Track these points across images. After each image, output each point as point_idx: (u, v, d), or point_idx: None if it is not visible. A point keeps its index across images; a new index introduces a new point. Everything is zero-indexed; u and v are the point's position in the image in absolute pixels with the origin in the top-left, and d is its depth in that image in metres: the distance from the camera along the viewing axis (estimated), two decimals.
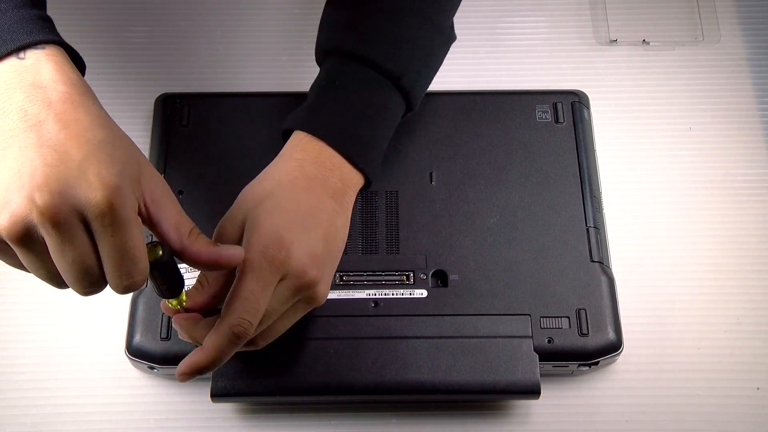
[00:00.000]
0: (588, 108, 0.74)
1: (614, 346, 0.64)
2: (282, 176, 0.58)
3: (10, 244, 0.46)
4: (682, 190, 0.75)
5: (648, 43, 0.82)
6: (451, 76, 0.80)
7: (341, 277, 0.66)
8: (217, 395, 0.62)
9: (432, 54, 0.65)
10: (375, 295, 0.65)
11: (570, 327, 0.64)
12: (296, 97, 0.74)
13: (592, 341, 0.64)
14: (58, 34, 0.51)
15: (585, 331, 0.64)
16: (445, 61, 0.81)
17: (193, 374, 0.55)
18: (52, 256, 0.47)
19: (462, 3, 0.81)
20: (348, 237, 0.67)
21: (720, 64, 0.81)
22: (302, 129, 0.60)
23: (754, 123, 0.78)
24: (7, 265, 0.72)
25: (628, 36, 0.83)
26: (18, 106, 0.46)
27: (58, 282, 0.49)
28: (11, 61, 0.48)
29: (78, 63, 0.52)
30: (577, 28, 0.83)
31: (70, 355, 0.68)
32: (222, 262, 0.52)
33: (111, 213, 0.45)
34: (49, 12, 0.55)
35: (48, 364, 0.68)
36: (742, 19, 0.84)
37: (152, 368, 0.64)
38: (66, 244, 0.45)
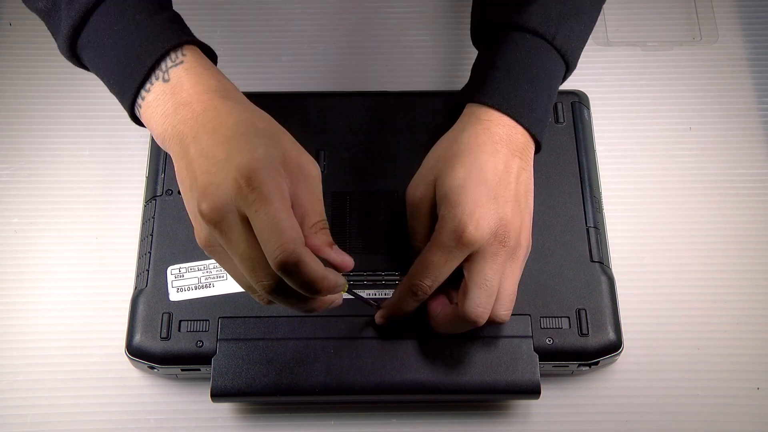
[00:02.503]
0: (588, 108, 0.74)
1: (614, 346, 0.64)
2: (470, 140, 0.61)
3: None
4: (682, 190, 0.75)
5: (644, 42, 0.82)
6: (452, 76, 0.80)
7: None
8: (217, 395, 0.62)
9: (583, 9, 0.66)
10: (375, 294, 0.65)
11: (570, 327, 0.64)
12: (296, 97, 0.74)
13: (592, 341, 0.64)
14: (188, 32, 0.57)
15: (585, 331, 0.64)
16: (445, 62, 0.82)
17: (387, 319, 0.62)
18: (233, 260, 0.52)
19: (463, 4, 0.81)
20: (348, 237, 0.67)
21: (718, 64, 0.81)
22: (472, 101, 0.63)
23: (754, 123, 0.78)
24: (11, 265, 0.73)
25: (626, 36, 0.83)
26: (176, 130, 0.53)
27: (253, 291, 0.53)
28: (161, 86, 0.55)
29: (210, 55, 0.59)
30: None
31: (70, 355, 0.68)
32: (331, 261, 0.53)
33: (250, 192, 0.49)
34: None
35: (48, 364, 0.68)
36: (739, 19, 0.84)
37: (152, 368, 0.64)
38: (231, 242, 0.50)
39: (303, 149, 0.54)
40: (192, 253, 0.66)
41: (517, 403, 0.66)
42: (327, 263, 0.52)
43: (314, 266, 0.50)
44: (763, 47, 0.82)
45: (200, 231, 0.52)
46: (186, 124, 0.53)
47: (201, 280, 0.65)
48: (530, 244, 0.62)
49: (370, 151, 0.71)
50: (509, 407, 0.66)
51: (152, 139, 0.72)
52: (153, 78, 0.55)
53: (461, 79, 0.80)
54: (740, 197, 0.75)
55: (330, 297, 0.55)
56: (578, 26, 0.65)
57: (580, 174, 0.70)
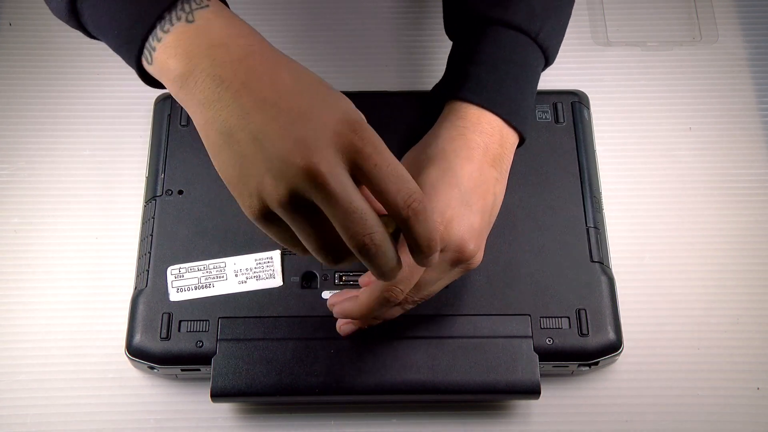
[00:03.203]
0: (588, 108, 0.74)
1: (614, 346, 0.64)
2: (445, 144, 0.60)
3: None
4: (682, 190, 0.75)
5: (644, 42, 0.82)
6: None
7: (341, 277, 0.66)
8: (217, 395, 0.62)
9: (563, 5, 0.66)
10: None
11: (570, 327, 0.64)
12: None
13: (592, 341, 0.64)
14: None
15: (585, 331, 0.64)
16: (445, 62, 0.82)
17: (343, 317, 0.60)
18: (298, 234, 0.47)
19: None
20: None
21: (718, 64, 0.81)
22: (457, 98, 0.62)
23: (754, 123, 0.78)
24: (10, 265, 0.73)
25: (626, 36, 0.83)
26: (208, 72, 0.46)
27: (325, 255, 0.48)
28: (184, 27, 0.47)
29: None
30: (575, 29, 0.83)
31: (70, 355, 0.68)
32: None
33: (360, 140, 0.45)
34: (49, 16, 0.55)
35: (48, 364, 0.68)
36: (739, 19, 0.84)
37: (152, 368, 0.64)
38: (328, 200, 0.45)
39: None
40: (192, 253, 0.66)
41: (516, 404, 0.66)
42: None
43: (436, 218, 0.51)
44: (764, 47, 0.82)
45: (277, 189, 0.45)
46: (225, 68, 0.46)
47: (201, 281, 0.65)
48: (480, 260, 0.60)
49: None
50: (509, 407, 0.66)
51: (152, 139, 0.72)
52: (173, 18, 0.48)
53: None
54: (740, 197, 0.75)
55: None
56: (558, 22, 0.65)
57: (580, 174, 0.70)
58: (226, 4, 0.52)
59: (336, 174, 0.44)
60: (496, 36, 0.63)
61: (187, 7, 0.48)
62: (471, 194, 0.58)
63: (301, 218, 0.46)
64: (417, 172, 0.59)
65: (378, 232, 0.46)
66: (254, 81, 0.46)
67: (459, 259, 0.58)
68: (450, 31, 0.69)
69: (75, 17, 0.53)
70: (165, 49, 0.48)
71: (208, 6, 0.49)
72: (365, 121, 0.47)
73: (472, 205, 0.58)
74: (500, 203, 0.62)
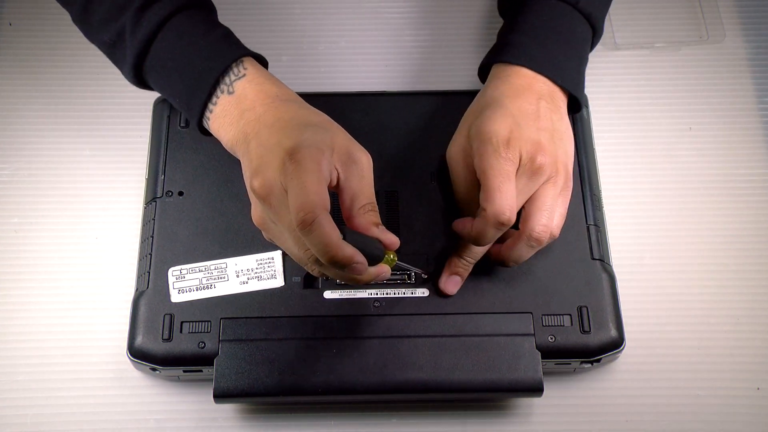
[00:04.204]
0: (587, 107, 0.74)
1: (616, 343, 0.64)
2: (493, 92, 0.66)
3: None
4: (682, 190, 0.75)
5: (651, 44, 0.82)
6: (453, 75, 0.81)
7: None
8: (220, 396, 0.62)
9: None
10: (376, 294, 0.65)
11: (572, 324, 0.64)
12: None
13: (594, 338, 0.64)
14: (242, 45, 0.65)
15: (587, 329, 0.64)
16: (446, 62, 0.82)
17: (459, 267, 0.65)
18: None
19: (463, 3, 0.81)
20: None
21: (722, 64, 0.81)
22: (500, 62, 0.68)
23: (755, 123, 0.78)
24: (10, 265, 0.73)
25: (633, 38, 0.83)
26: (241, 133, 0.60)
27: (304, 262, 0.58)
28: (226, 99, 0.62)
29: (262, 62, 0.65)
30: None
31: (71, 355, 0.68)
32: (378, 239, 0.58)
33: (290, 163, 0.54)
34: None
35: (49, 364, 0.68)
36: (744, 18, 0.84)
37: (154, 370, 0.64)
38: (279, 215, 0.56)
39: (354, 140, 0.59)
40: (193, 254, 0.66)
41: (519, 402, 0.67)
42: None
43: (330, 231, 0.53)
44: (765, 47, 0.82)
45: (255, 209, 0.59)
46: (250, 125, 0.60)
47: (202, 281, 0.65)
48: (571, 179, 0.64)
49: (370, 151, 0.71)
50: (511, 405, 0.66)
51: (151, 141, 0.72)
52: (218, 92, 0.62)
53: (461, 78, 0.80)
54: (740, 197, 0.75)
55: (376, 270, 0.57)
56: None
57: (580, 173, 0.70)
58: (265, 63, 0.66)
59: (275, 196, 0.55)
60: (538, 6, 0.68)
61: (227, 80, 0.62)
62: (525, 118, 0.63)
63: (270, 233, 0.60)
64: (473, 120, 0.64)
65: (311, 215, 0.53)
66: (262, 129, 0.59)
67: (533, 170, 0.61)
68: (502, 11, 0.74)
69: (143, 84, 0.67)
70: (215, 120, 0.62)
71: (244, 75, 0.62)
72: (318, 149, 0.56)
73: (530, 126, 0.62)
74: (565, 129, 0.65)
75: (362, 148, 0.59)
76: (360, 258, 0.55)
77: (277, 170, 0.55)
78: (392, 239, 0.58)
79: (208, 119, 0.63)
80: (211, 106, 0.62)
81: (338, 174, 0.57)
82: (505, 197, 0.59)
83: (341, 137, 0.58)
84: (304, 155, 0.55)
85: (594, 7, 0.69)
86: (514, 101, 0.64)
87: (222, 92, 0.62)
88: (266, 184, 0.56)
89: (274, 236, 0.60)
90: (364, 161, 0.58)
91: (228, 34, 0.65)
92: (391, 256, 0.59)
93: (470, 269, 0.65)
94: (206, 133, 0.65)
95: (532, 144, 0.61)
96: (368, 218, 0.57)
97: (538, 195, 0.62)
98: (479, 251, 0.64)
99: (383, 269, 0.58)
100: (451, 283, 0.65)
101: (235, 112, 0.61)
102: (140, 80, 0.66)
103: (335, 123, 0.60)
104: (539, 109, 0.64)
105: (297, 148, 0.55)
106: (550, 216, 0.62)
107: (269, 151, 0.57)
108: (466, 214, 0.64)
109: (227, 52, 0.63)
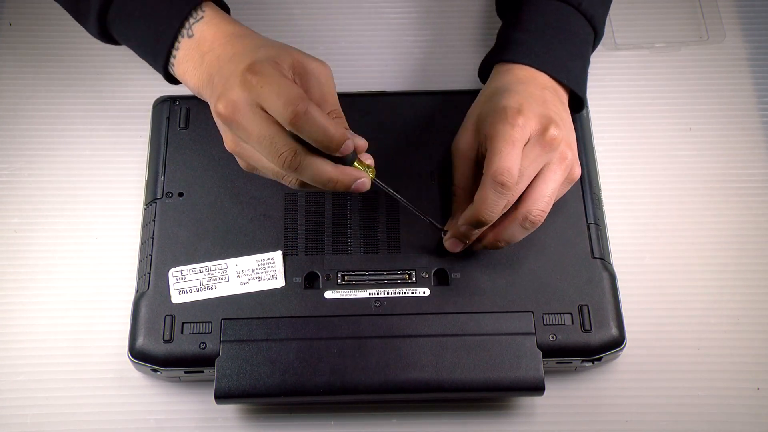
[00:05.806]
0: (587, 107, 0.74)
1: (617, 342, 0.64)
2: (498, 84, 0.67)
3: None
4: (682, 190, 0.75)
5: (651, 44, 0.82)
6: (453, 75, 0.80)
7: (343, 276, 0.66)
8: (221, 397, 0.62)
9: None
10: (377, 294, 0.65)
11: (573, 323, 0.64)
12: None
13: (595, 337, 0.64)
14: None
15: (588, 327, 0.64)
16: (446, 62, 0.82)
17: (470, 226, 0.63)
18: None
19: (462, 3, 0.81)
20: (349, 236, 0.67)
21: (722, 64, 0.81)
22: (502, 60, 0.69)
23: (754, 123, 0.78)
24: (10, 265, 0.73)
25: (630, 36, 0.83)
26: (205, 71, 0.60)
27: (282, 174, 0.58)
28: (187, 43, 0.62)
29: (224, 8, 0.65)
30: None
31: (72, 356, 0.68)
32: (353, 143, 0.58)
33: (253, 76, 0.55)
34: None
35: (49, 365, 0.68)
36: (744, 18, 0.84)
37: (155, 371, 0.64)
38: (248, 130, 0.56)
39: (310, 55, 0.59)
40: (193, 255, 0.66)
41: (520, 401, 0.67)
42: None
43: (323, 116, 0.54)
44: (765, 47, 0.82)
45: (225, 135, 0.59)
46: (212, 66, 0.60)
47: (203, 282, 0.65)
48: (578, 167, 0.65)
49: (370, 151, 0.71)
50: (513, 405, 0.66)
51: (151, 142, 0.72)
52: (180, 37, 0.62)
53: (461, 78, 0.80)
54: (740, 197, 0.75)
55: (356, 173, 0.58)
56: None
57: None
58: (227, 10, 0.65)
59: (240, 112, 0.56)
60: (541, 7, 0.69)
61: (187, 24, 0.62)
62: (532, 99, 0.64)
63: (246, 154, 0.59)
64: (479, 112, 0.66)
65: (286, 152, 0.55)
66: (223, 65, 0.59)
67: (545, 143, 0.62)
68: (500, 11, 0.76)
69: (107, 37, 0.66)
70: (179, 65, 0.62)
71: (202, 18, 0.62)
72: (274, 61, 0.57)
73: (539, 106, 0.63)
74: (570, 125, 0.66)
75: (318, 59, 0.59)
76: (350, 134, 0.57)
77: (239, 88, 0.56)
78: (361, 142, 0.59)
79: (173, 65, 0.63)
80: (174, 52, 0.62)
81: (298, 86, 0.57)
82: (505, 159, 0.60)
83: (295, 53, 0.59)
84: (263, 65, 0.56)
85: (596, 10, 0.70)
86: (522, 87, 0.65)
87: (182, 36, 0.62)
88: (230, 103, 0.56)
89: (248, 156, 0.59)
90: (323, 70, 0.59)
91: None
92: (368, 168, 0.59)
93: (472, 237, 0.65)
94: (174, 81, 0.65)
95: (543, 117, 0.62)
96: (337, 122, 0.58)
97: (544, 177, 0.63)
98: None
99: (362, 174, 0.58)
100: (453, 244, 0.66)
101: (196, 55, 0.61)
102: (104, 32, 0.66)
103: (291, 46, 0.60)
104: (545, 95, 0.65)
105: (254, 63, 0.56)
106: (549, 202, 0.63)
107: (228, 77, 0.57)
108: (463, 209, 0.64)
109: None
